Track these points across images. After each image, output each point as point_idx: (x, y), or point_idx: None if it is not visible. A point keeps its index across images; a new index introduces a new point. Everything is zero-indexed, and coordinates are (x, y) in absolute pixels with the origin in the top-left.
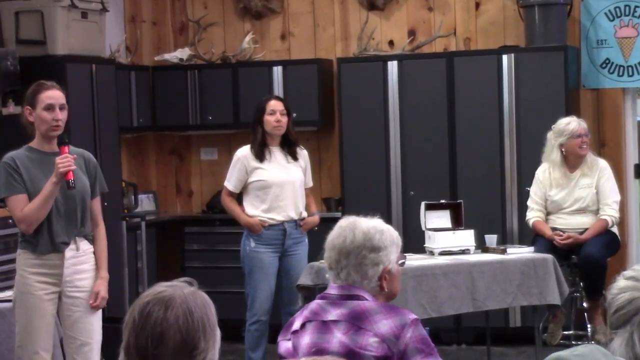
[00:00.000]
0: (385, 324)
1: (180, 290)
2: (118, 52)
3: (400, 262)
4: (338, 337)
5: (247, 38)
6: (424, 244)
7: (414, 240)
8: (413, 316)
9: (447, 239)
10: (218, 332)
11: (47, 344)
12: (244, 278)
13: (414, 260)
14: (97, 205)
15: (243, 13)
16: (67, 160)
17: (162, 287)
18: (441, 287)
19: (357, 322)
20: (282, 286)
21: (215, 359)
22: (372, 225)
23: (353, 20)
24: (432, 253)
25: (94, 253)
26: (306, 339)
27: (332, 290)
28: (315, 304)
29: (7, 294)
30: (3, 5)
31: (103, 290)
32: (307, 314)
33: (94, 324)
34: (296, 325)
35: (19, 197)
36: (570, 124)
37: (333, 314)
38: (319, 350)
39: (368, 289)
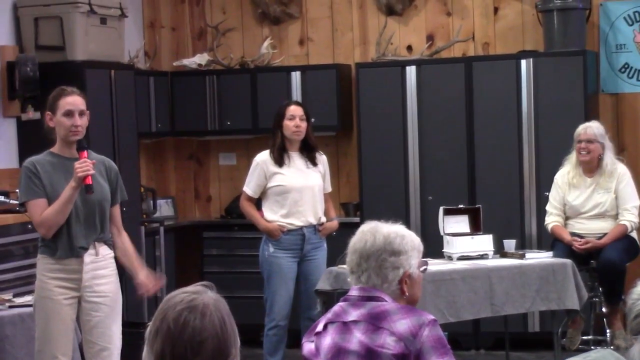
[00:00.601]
0: (403, 323)
1: (208, 296)
2: (137, 57)
3: (421, 268)
4: (357, 337)
5: (266, 43)
6: (443, 249)
7: (432, 245)
8: (431, 317)
9: (465, 244)
10: (238, 338)
11: (66, 348)
12: (262, 283)
13: (433, 265)
14: (117, 212)
15: (261, 18)
16: (86, 164)
17: (189, 294)
18: (460, 292)
19: (375, 322)
20: (301, 291)
21: None
22: (393, 230)
23: (371, 26)
24: (450, 258)
25: (125, 257)
26: (327, 340)
27: (353, 292)
28: (337, 306)
29: (27, 298)
30: (22, 12)
31: (152, 281)
32: (329, 315)
33: (113, 329)
34: (319, 327)
35: (38, 201)
36: (578, 128)
37: (353, 314)
38: (339, 351)
39: (388, 292)
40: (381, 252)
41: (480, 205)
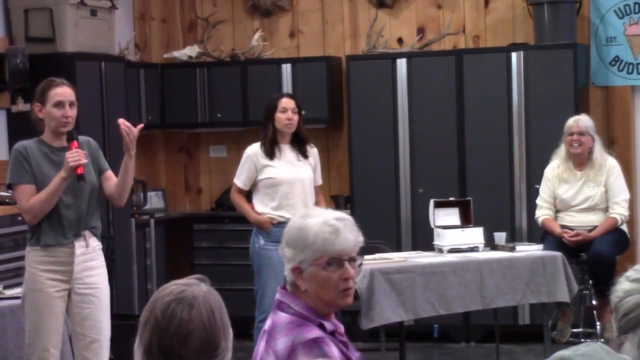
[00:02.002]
0: (281, 342)
1: (199, 289)
2: (127, 49)
3: (323, 264)
4: (259, 350)
5: (256, 36)
6: (433, 241)
7: (422, 238)
8: (311, 336)
9: (456, 236)
10: (231, 331)
11: (56, 341)
12: (253, 275)
13: (423, 257)
14: (114, 176)
15: (252, 11)
16: (78, 154)
17: (180, 286)
18: (450, 285)
19: (268, 337)
20: None
21: (230, 357)
22: (300, 221)
23: (362, 18)
24: (441, 251)
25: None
26: (258, 346)
27: (277, 294)
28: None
29: (16, 291)
30: (12, 3)
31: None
32: None
33: (103, 321)
34: None
35: (26, 187)
36: (569, 121)
37: (267, 323)
38: None
39: (292, 284)
40: (283, 241)
41: (470, 198)
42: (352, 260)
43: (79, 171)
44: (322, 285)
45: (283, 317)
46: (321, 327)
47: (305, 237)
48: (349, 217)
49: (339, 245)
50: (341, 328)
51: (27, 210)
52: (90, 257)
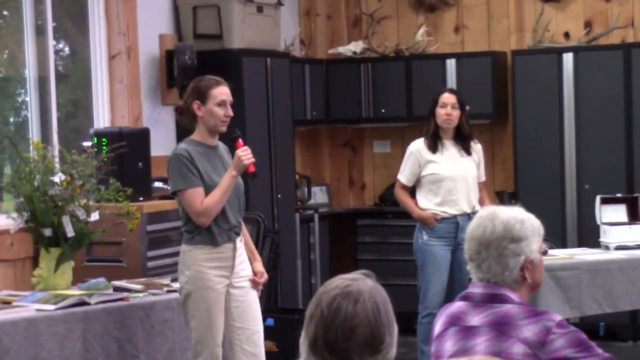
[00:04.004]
0: (529, 329)
1: (364, 283)
2: (292, 45)
3: (542, 250)
4: (483, 344)
5: (421, 31)
6: (599, 238)
7: (588, 235)
8: (557, 318)
9: (623, 233)
10: (396, 326)
11: (222, 336)
12: (416, 271)
13: (589, 254)
14: None
15: (417, 6)
16: (249, 152)
17: (346, 281)
18: (617, 282)
19: (501, 328)
20: (455, 280)
21: (394, 352)
22: (512, 215)
23: (528, 12)
24: (607, 247)
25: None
26: (449, 345)
27: (476, 289)
28: (456, 306)
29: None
30: (181, 1)
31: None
32: (446, 319)
33: (259, 311)
34: (438, 329)
35: (197, 190)
36: None
37: (475, 319)
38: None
39: (509, 282)
40: (501, 239)
41: (638, 194)
42: None
43: (251, 169)
44: (541, 271)
45: (511, 308)
46: None
47: (533, 228)
48: None
49: None
50: None
51: (203, 212)
52: (241, 252)
